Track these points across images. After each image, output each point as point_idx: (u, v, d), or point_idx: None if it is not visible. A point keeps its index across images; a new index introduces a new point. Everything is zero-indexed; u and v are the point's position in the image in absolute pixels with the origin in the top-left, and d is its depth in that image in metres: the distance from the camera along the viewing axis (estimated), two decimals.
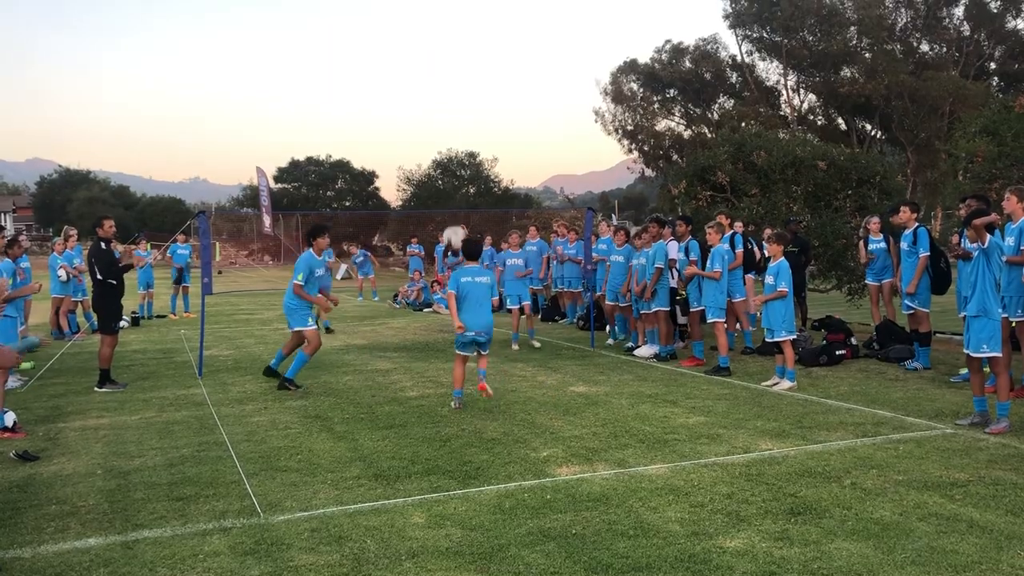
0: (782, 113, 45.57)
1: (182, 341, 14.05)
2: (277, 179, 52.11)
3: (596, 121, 49.75)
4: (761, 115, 41.89)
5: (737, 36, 45.04)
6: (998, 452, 6.25)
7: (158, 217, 60.94)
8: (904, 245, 10.05)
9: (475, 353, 8.28)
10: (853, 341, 10.96)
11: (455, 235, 12.67)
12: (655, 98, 48.75)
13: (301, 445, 6.84)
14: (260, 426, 7.56)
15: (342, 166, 54.14)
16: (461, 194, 43.18)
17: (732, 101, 47.41)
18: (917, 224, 9.98)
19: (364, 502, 5.34)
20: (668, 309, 11.16)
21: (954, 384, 8.98)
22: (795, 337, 9.30)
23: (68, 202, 68.53)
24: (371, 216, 47.89)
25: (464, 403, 8.24)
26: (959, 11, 42.33)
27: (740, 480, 5.66)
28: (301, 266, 9.33)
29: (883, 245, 11.38)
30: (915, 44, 43.09)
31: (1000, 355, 6.98)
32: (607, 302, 12.89)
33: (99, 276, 9.28)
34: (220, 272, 33.04)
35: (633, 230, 13.68)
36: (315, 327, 9.47)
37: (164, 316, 17.91)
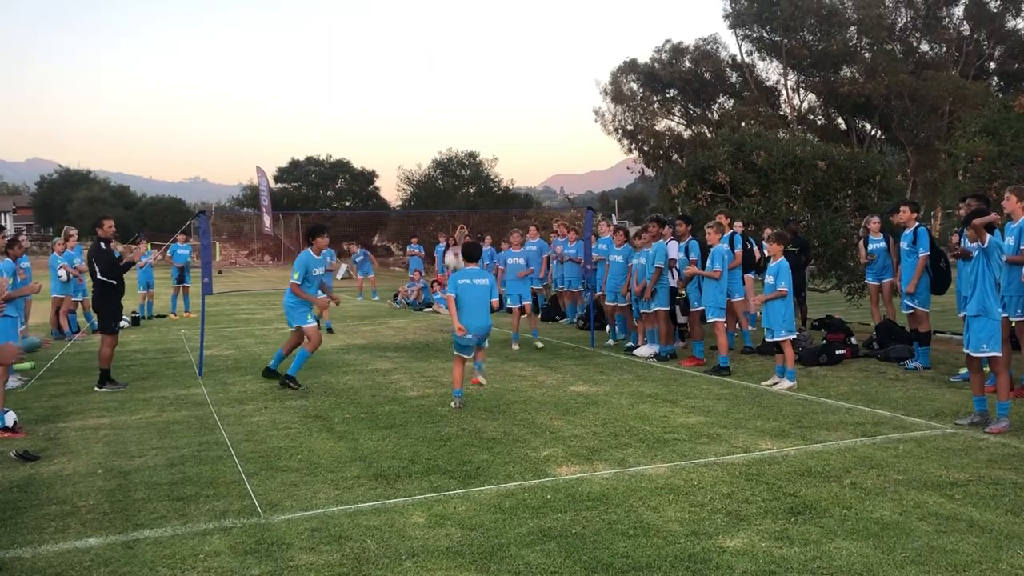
0: (782, 113, 45.56)
1: (182, 341, 14.06)
2: (277, 179, 52.11)
3: (596, 121, 49.80)
4: (761, 115, 41.89)
5: (737, 36, 45.05)
6: (998, 452, 6.25)
7: (158, 217, 60.91)
8: (904, 245, 10.05)
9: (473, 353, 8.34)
10: (853, 341, 10.97)
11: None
12: (655, 98, 48.75)
13: (301, 445, 6.84)
14: (260, 426, 7.57)
15: (342, 166, 54.12)
16: (461, 194, 43.17)
17: (732, 101, 47.40)
18: (917, 224, 9.99)
19: (364, 502, 5.35)
20: (668, 309, 11.16)
21: (954, 384, 8.99)
22: (795, 337, 9.30)
23: (68, 202, 68.52)
24: (371, 216, 47.89)
25: (464, 403, 8.25)
26: (959, 11, 42.36)
27: (740, 480, 5.66)
28: (299, 265, 9.36)
29: (883, 245, 11.39)
30: (915, 44, 43.08)
31: (1000, 355, 6.98)
32: (607, 302, 12.90)
33: (99, 276, 9.28)
34: (220, 272, 33.04)
35: (633, 230, 13.70)
36: (315, 324, 9.48)
37: (164, 316, 17.91)
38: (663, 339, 11.23)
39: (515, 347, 12.38)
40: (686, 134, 48.14)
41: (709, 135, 42.53)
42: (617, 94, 48.68)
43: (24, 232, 58.06)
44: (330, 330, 14.56)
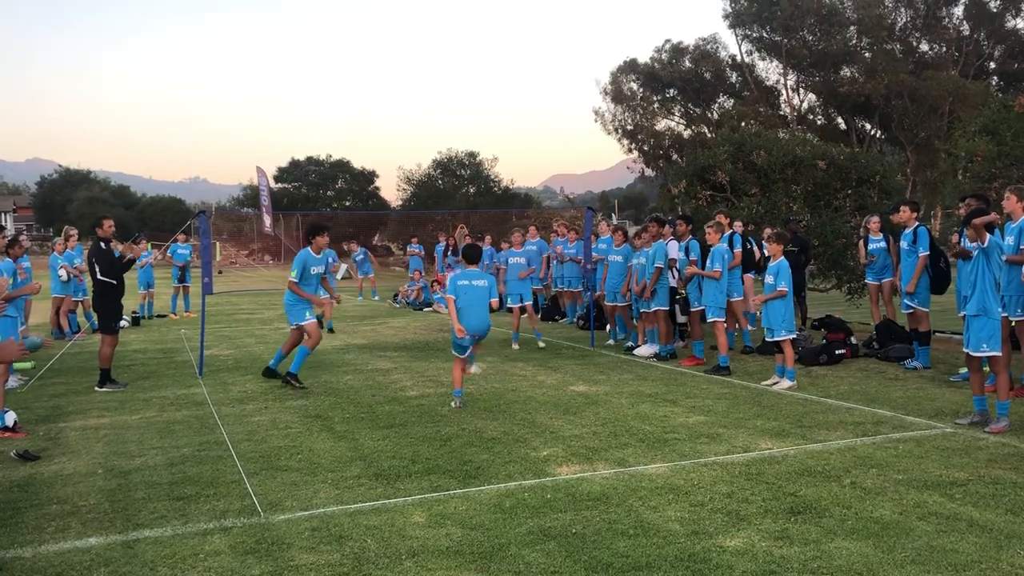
0: (782, 113, 45.58)
1: (182, 341, 14.06)
2: (277, 179, 52.12)
3: (596, 121, 49.83)
4: (761, 115, 41.90)
5: (737, 36, 45.09)
6: (998, 451, 6.25)
7: (158, 217, 60.92)
8: (904, 244, 10.05)
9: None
10: (853, 340, 10.97)
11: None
12: (655, 98, 48.76)
13: (301, 445, 6.84)
14: (260, 426, 7.57)
15: (342, 166, 54.15)
16: (461, 194, 43.20)
17: (732, 101, 47.42)
18: (917, 223, 9.99)
19: (364, 501, 5.35)
20: (668, 308, 11.16)
21: (954, 383, 8.99)
22: (795, 336, 9.30)
23: (68, 202, 68.55)
24: (371, 216, 47.90)
25: (464, 402, 8.25)
26: (959, 11, 42.38)
27: (740, 479, 5.66)
28: (297, 263, 9.41)
29: (883, 244, 11.39)
30: (915, 44, 43.11)
31: (1000, 354, 6.98)
32: (606, 302, 12.90)
33: (99, 276, 9.28)
34: (220, 272, 33.05)
35: (633, 230, 13.69)
36: (314, 321, 9.49)
37: (164, 316, 17.92)
38: (663, 339, 11.24)
39: (515, 347, 12.39)
40: (686, 134, 48.16)
41: (709, 135, 42.53)
42: (617, 94, 48.70)
43: (24, 232, 58.07)
44: (331, 330, 14.57)
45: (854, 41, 41.56)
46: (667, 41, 48.24)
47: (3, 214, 74.52)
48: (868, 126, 44.83)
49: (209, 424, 7.70)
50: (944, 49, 42.80)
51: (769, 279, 9.20)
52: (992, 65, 43.81)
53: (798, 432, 6.98)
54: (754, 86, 45.67)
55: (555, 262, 15.78)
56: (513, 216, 34.34)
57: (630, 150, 49.56)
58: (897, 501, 5.16)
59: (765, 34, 43.75)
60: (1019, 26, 42.51)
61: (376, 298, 22.57)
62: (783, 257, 9.27)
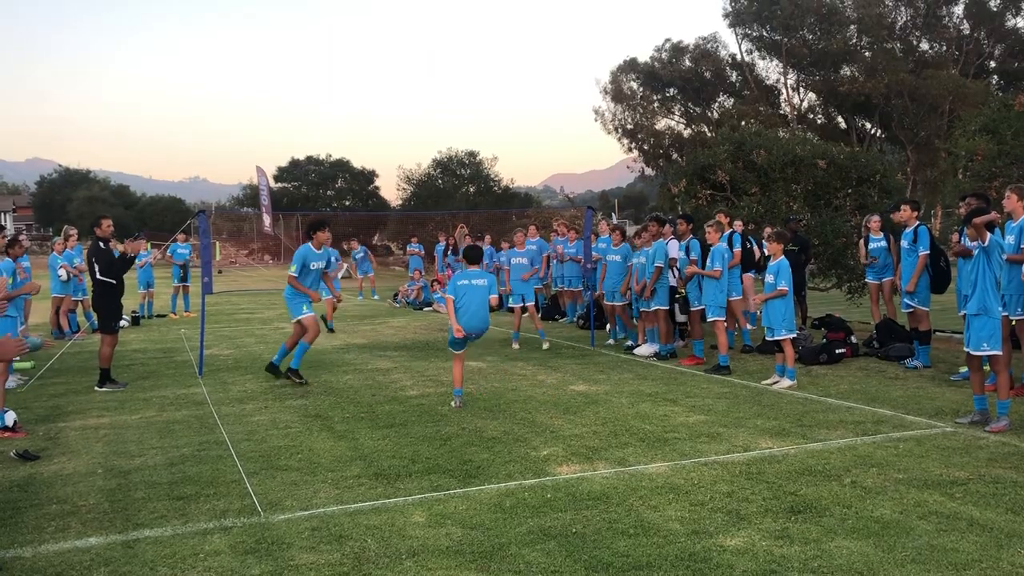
0: (782, 112, 45.56)
1: (182, 340, 14.05)
2: (277, 178, 52.10)
3: (596, 120, 49.83)
4: (761, 114, 41.89)
5: (737, 35, 45.08)
6: (998, 450, 6.25)
7: (158, 216, 60.93)
8: (904, 243, 10.05)
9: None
10: (853, 339, 10.96)
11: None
12: (655, 97, 48.75)
13: (301, 444, 6.84)
14: (260, 425, 7.57)
15: (342, 165, 54.11)
16: (461, 193, 43.18)
17: (732, 100, 47.41)
18: (918, 223, 9.99)
19: (364, 501, 5.35)
20: (667, 308, 11.16)
21: (954, 382, 8.98)
22: (795, 336, 9.30)
23: (68, 202, 68.55)
24: (371, 216, 47.90)
25: (464, 402, 8.25)
26: (959, 9, 42.37)
27: (740, 479, 5.66)
28: (297, 258, 9.49)
29: (883, 243, 11.38)
30: (915, 43, 43.09)
31: (1000, 353, 6.98)
32: (606, 301, 12.89)
33: (98, 275, 9.28)
34: (220, 271, 33.05)
35: (633, 229, 13.68)
36: (312, 315, 9.50)
37: (164, 315, 17.91)
38: (663, 338, 11.23)
39: (515, 346, 12.38)
40: (686, 133, 48.15)
41: (709, 134, 42.53)
42: (617, 93, 48.69)
43: (24, 232, 58.10)
44: (331, 330, 14.57)
45: (854, 40, 41.55)
46: (667, 40, 48.28)
47: (3, 214, 74.55)
48: (868, 125, 44.82)
49: (209, 424, 7.69)
50: (944, 48, 42.80)
51: (769, 278, 9.19)
52: (992, 64, 43.81)
53: (798, 431, 6.97)
54: (754, 85, 45.66)
55: (555, 261, 15.77)
56: (513, 216, 34.34)
57: (630, 149, 49.59)
58: (897, 500, 5.15)
59: (765, 33, 43.74)
60: (1019, 25, 42.55)
61: (376, 297, 22.57)
62: (783, 256, 9.27)
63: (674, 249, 11.21)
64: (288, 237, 44.21)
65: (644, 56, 48.96)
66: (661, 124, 49.09)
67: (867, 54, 40.71)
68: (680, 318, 11.49)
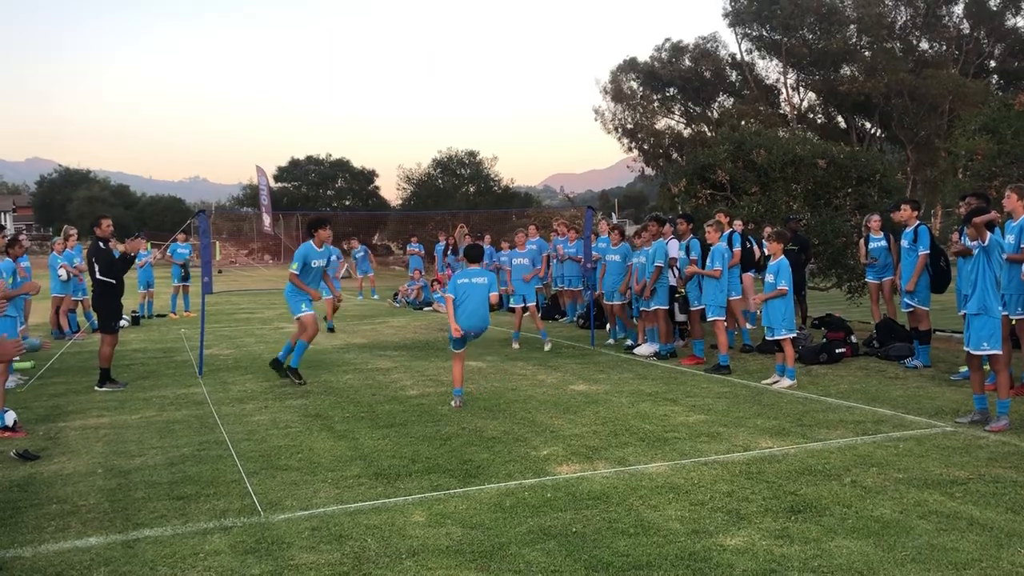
0: (782, 111, 45.57)
1: (182, 340, 14.05)
2: (277, 178, 52.09)
3: (596, 120, 49.83)
4: (761, 113, 41.89)
5: (737, 34, 45.07)
6: (998, 450, 6.25)
7: (158, 216, 60.93)
8: (904, 243, 10.05)
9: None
10: (853, 339, 10.96)
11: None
12: (655, 96, 48.75)
13: (301, 444, 6.84)
14: (260, 425, 7.57)
15: (342, 165, 54.10)
16: (461, 193, 43.18)
17: (732, 99, 47.40)
18: (918, 222, 9.98)
19: (364, 501, 5.35)
20: (667, 308, 11.16)
21: (954, 382, 8.98)
22: (795, 335, 9.30)
23: (68, 201, 68.56)
24: (371, 215, 47.90)
25: (464, 402, 8.25)
26: (959, 9, 42.39)
27: (740, 478, 5.66)
28: (298, 256, 9.51)
29: (883, 243, 11.38)
30: (915, 42, 43.10)
31: (1000, 353, 6.98)
32: (606, 301, 12.89)
33: (98, 275, 9.28)
34: (220, 271, 33.05)
35: (633, 229, 13.67)
36: (311, 313, 9.50)
37: (164, 315, 17.91)
38: (663, 338, 11.23)
39: (515, 346, 12.38)
40: (686, 133, 48.15)
41: (709, 134, 42.53)
42: (617, 93, 48.68)
43: (24, 231, 58.10)
44: (331, 329, 14.57)
45: (854, 40, 41.56)
46: (667, 40, 48.27)
47: (3, 214, 74.56)
48: (868, 125, 44.84)
49: (209, 423, 7.69)
50: (944, 47, 42.81)
51: (769, 278, 9.19)
52: (992, 63, 43.83)
53: (798, 431, 6.97)
54: (754, 85, 45.66)
55: (555, 261, 15.77)
56: (513, 215, 34.34)
57: (630, 149, 49.59)
58: (897, 500, 5.15)
59: (765, 33, 43.74)
60: (1019, 24, 42.59)
61: (376, 297, 22.57)
62: (783, 256, 9.27)
63: (674, 249, 11.21)
64: (288, 237, 44.21)
65: (644, 56, 49.03)
66: (661, 124, 49.14)
67: (867, 54, 40.71)
68: (680, 318, 11.49)
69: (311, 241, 9.60)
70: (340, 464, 6.21)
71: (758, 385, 9.12)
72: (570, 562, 4.29)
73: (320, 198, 52.64)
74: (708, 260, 10.45)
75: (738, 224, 12.10)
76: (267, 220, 36.85)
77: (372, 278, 23.28)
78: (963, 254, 7.65)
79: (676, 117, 49.74)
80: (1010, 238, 7.77)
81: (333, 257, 10.02)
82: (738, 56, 46.56)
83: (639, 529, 4.73)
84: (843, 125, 44.92)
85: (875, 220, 11.47)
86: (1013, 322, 8.02)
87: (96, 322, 10.31)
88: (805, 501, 5.16)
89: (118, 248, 9.86)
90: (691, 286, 10.95)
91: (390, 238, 50.63)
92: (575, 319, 15.56)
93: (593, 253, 13.27)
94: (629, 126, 48.72)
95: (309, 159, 54.04)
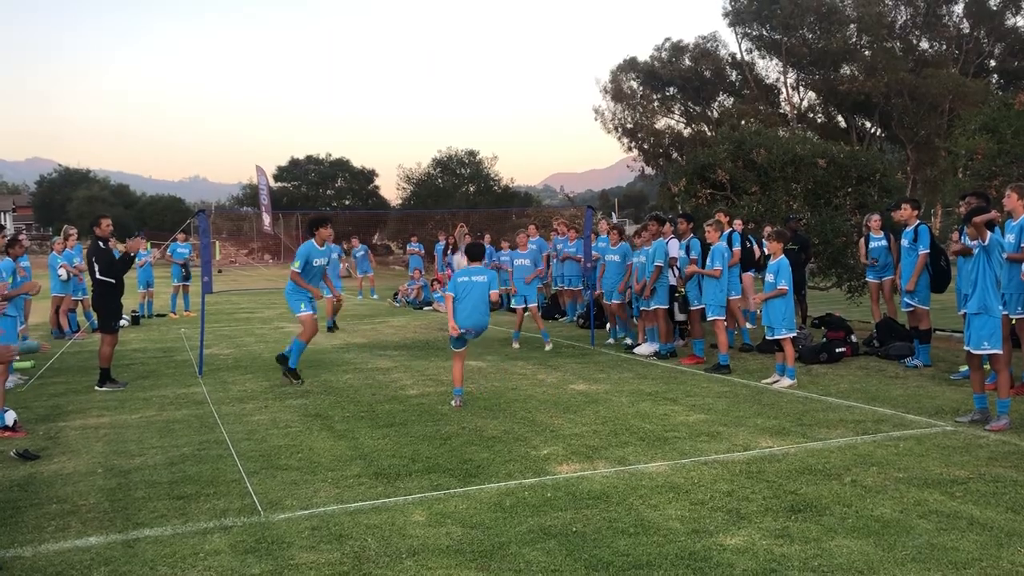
0: (782, 111, 45.56)
1: (182, 340, 14.05)
2: (277, 178, 52.10)
3: (596, 119, 49.82)
4: (761, 113, 41.88)
5: (737, 34, 45.06)
6: (998, 449, 6.25)
7: (158, 216, 60.95)
8: (905, 242, 10.05)
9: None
10: (853, 339, 10.96)
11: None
12: (655, 96, 48.74)
13: (301, 444, 6.84)
14: (260, 425, 7.56)
15: (342, 165, 54.11)
16: (461, 192, 43.18)
17: (732, 99, 47.40)
18: (918, 221, 9.98)
19: (364, 500, 5.34)
20: (667, 307, 11.15)
21: (954, 381, 8.98)
22: (795, 335, 9.29)
23: (68, 201, 68.57)
24: (371, 215, 47.90)
25: (464, 401, 8.25)
26: (959, 8, 42.39)
27: (740, 478, 5.66)
28: (300, 254, 9.55)
29: (884, 242, 11.38)
30: (915, 42, 43.10)
31: (1000, 352, 6.98)
32: (606, 301, 12.89)
33: (98, 275, 9.27)
34: (220, 271, 33.05)
35: (633, 229, 13.66)
36: (310, 312, 9.50)
37: (164, 315, 17.91)
38: (663, 337, 11.23)
39: (516, 345, 12.38)
40: (686, 132, 48.15)
41: (709, 133, 42.53)
42: (617, 92, 48.68)
43: (24, 231, 58.08)
44: (330, 329, 14.56)
45: (854, 39, 41.56)
46: (667, 39, 48.32)
47: (3, 213, 74.56)
48: (868, 124, 44.83)
49: (209, 423, 7.69)
50: (944, 47, 42.81)
51: (769, 277, 9.19)
52: (992, 63, 43.83)
53: (798, 430, 6.97)
54: (754, 84, 45.66)
55: (555, 261, 15.77)
56: (513, 215, 34.35)
57: (630, 148, 49.59)
58: (897, 499, 5.15)
59: (765, 32, 43.74)
60: (1019, 24, 42.57)
61: (375, 297, 22.57)
62: (783, 255, 9.27)
63: (674, 248, 11.20)
64: (288, 236, 44.22)
65: (644, 55, 49.03)
66: (661, 123, 49.14)
67: (867, 53, 40.71)
68: (680, 317, 11.49)
69: (313, 240, 9.62)
70: (340, 464, 6.21)
71: (758, 384, 9.12)
72: (570, 562, 4.29)
73: (320, 198, 52.65)
74: (708, 259, 10.45)
75: (738, 223, 12.10)
76: (267, 220, 36.87)
77: (372, 278, 23.28)
78: (963, 253, 7.65)
79: (676, 117, 49.77)
80: (1010, 237, 7.77)
81: (334, 255, 10.03)
82: (738, 56, 46.59)
83: (639, 528, 4.73)
84: (843, 125, 44.91)
85: (875, 219, 11.47)
86: (1013, 321, 8.02)
87: (96, 322, 10.31)
88: (805, 500, 5.16)
89: (118, 248, 9.85)
90: (691, 285, 10.95)
91: (390, 237, 50.64)
92: (575, 319, 15.56)
93: (594, 253, 13.28)
94: (629, 126, 48.72)
95: (309, 159, 54.05)
